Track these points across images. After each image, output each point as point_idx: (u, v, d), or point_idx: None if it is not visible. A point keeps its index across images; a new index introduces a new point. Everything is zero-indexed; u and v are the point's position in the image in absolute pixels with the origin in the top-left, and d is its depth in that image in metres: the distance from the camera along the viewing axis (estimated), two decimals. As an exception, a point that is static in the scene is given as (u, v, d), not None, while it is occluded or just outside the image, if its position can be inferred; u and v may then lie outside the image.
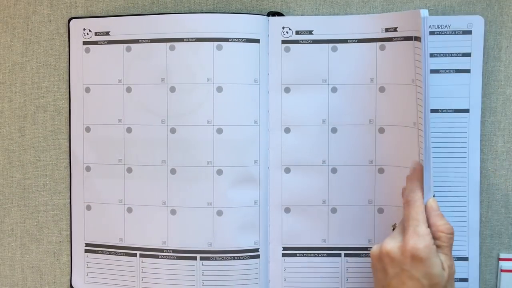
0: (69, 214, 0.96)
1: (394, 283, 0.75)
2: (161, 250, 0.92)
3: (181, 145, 0.91)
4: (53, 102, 0.96)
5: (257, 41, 0.90)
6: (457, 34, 0.88)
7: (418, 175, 0.80)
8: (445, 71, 0.88)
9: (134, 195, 0.93)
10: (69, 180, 0.96)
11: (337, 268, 0.92)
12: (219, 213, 0.91)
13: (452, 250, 0.77)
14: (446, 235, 0.77)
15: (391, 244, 0.76)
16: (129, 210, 0.93)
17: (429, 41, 0.87)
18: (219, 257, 0.91)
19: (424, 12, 0.77)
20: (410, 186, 0.79)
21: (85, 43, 0.94)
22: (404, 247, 0.75)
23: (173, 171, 0.91)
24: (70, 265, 0.97)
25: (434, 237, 0.76)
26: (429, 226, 0.77)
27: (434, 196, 0.79)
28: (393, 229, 0.82)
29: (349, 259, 0.91)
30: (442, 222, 0.78)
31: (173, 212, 0.92)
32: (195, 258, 0.92)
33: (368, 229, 0.91)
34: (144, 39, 0.91)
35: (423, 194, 0.78)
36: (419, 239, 0.74)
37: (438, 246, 0.76)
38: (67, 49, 0.95)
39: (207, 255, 0.91)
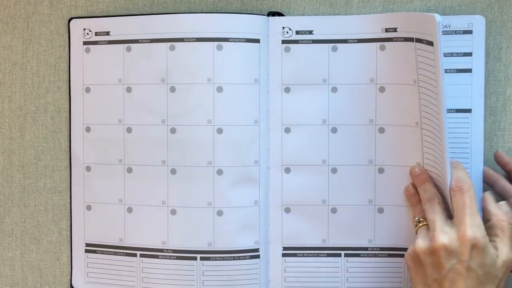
0: (69, 214, 0.96)
1: (450, 275, 0.75)
2: (161, 250, 0.92)
3: (181, 145, 0.91)
4: (53, 102, 0.96)
5: (257, 41, 0.90)
6: (458, 34, 0.88)
7: (460, 165, 0.82)
8: (446, 71, 0.88)
9: (134, 195, 0.93)
10: (69, 180, 0.96)
11: (337, 268, 0.91)
12: (219, 213, 0.90)
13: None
14: (508, 224, 0.78)
15: (446, 237, 0.76)
16: (129, 210, 0.93)
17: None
18: (219, 257, 0.91)
19: (438, 17, 0.76)
20: (457, 174, 0.80)
21: (85, 43, 0.94)
22: (463, 238, 0.75)
23: (173, 171, 0.91)
24: (70, 265, 0.97)
25: (495, 226, 0.78)
26: (487, 216, 0.80)
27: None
28: (418, 223, 0.82)
29: (349, 259, 0.91)
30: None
31: (173, 212, 0.92)
32: (195, 258, 0.92)
33: (368, 229, 0.91)
34: (144, 39, 0.91)
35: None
36: (478, 228, 0.75)
37: (496, 235, 0.78)
38: (67, 49, 0.95)
39: (207, 255, 0.91)
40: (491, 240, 0.77)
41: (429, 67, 0.80)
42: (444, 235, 0.76)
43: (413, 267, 0.79)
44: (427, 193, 0.82)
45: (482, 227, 0.76)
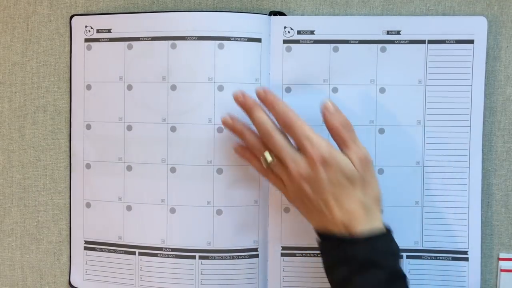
0: (69, 214, 0.96)
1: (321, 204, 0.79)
2: (160, 249, 0.92)
3: (181, 144, 0.91)
4: (53, 102, 0.97)
5: (258, 40, 0.90)
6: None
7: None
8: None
9: (133, 193, 0.93)
10: (69, 180, 0.96)
11: (336, 269, 0.91)
12: (219, 212, 0.90)
13: (356, 140, 0.80)
14: (343, 129, 0.80)
15: (294, 166, 0.79)
16: (129, 208, 0.93)
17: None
18: (218, 256, 0.91)
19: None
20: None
21: (86, 40, 0.94)
22: (310, 160, 0.78)
23: (173, 170, 0.91)
24: (69, 263, 0.97)
25: (335, 138, 0.81)
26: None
27: None
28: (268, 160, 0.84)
29: (348, 259, 0.91)
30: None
31: (172, 210, 0.91)
32: (194, 257, 0.91)
33: (368, 230, 0.91)
34: (145, 37, 0.91)
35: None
36: (319, 145, 0.78)
37: (341, 145, 0.80)
38: (67, 49, 0.96)
39: (206, 254, 0.91)
40: None
41: (440, 68, 0.86)
42: (293, 165, 0.79)
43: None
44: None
45: (324, 141, 0.79)
